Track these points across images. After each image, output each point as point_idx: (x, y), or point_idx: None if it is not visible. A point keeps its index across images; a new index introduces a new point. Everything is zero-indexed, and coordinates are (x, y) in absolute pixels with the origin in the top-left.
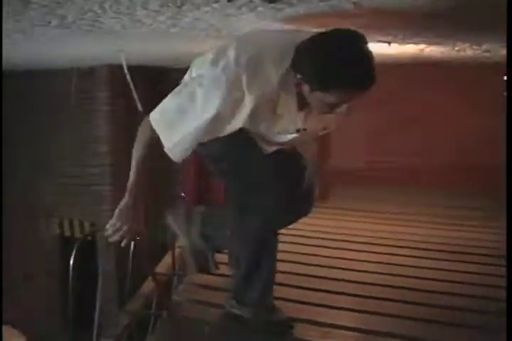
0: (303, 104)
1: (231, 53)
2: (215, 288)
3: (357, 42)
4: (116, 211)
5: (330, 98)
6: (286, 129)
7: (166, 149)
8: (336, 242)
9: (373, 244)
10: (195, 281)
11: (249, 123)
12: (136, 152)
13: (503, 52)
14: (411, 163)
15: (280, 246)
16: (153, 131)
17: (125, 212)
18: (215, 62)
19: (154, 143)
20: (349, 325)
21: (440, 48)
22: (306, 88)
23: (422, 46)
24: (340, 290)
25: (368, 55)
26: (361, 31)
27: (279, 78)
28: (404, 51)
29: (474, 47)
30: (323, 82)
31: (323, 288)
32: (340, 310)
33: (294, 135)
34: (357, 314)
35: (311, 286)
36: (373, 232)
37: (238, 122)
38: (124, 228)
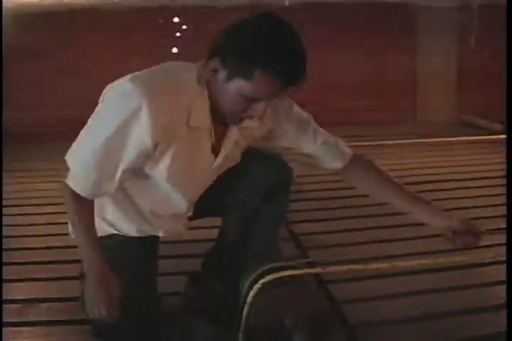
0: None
1: None
2: None
3: (295, 32)
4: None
5: (250, 88)
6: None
7: None
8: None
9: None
10: None
11: None
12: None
13: None
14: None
15: None
16: None
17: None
18: None
19: None
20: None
21: None
22: (221, 76)
23: None
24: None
25: (304, 48)
26: None
27: None
28: None
29: None
30: (247, 63)
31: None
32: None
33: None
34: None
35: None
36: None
37: None
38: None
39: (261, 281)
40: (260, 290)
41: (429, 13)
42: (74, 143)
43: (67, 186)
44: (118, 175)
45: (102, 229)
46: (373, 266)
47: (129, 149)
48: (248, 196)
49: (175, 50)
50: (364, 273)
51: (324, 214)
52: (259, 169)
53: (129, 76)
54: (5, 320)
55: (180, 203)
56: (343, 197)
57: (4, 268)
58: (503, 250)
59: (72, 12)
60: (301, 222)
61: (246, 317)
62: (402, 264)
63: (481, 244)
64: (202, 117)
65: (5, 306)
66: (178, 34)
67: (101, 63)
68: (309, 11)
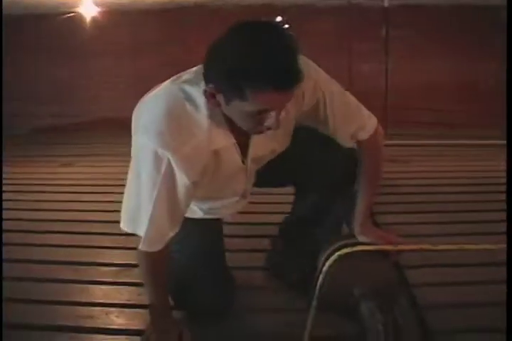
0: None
1: None
2: None
3: (271, 33)
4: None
5: (250, 106)
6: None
7: None
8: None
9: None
10: None
11: None
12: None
13: None
14: None
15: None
16: None
17: None
18: None
19: None
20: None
21: None
22: (221, 100)
23: None
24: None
25: (287, 45)
26: None
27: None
28: None
29: None
30: (235, 85)
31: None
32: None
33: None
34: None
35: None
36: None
37: None
38: None
39: (337, 253)
40: (335, 261)
41: None
42: (124, 210)
43: (141, 252)
44: (179, 217)
45: None
46: (442, 246)
47: (178, 194)
48: (318, 179)
49: None
50: (435, 261)
51: (406, 207)
52: (328, 155)
53: (140, 129)
54: (103, 279)
55: (233, 198)
56: (426, 193)
57: (104, 237)
58: None
59: (181, 9)
60: (384, 213)
61: (320, 285)
62: (468, 247)
63: None
64: (222, 138)
65: (103, 268)
66: None
67: (202, 58)
68: (408, 13)
